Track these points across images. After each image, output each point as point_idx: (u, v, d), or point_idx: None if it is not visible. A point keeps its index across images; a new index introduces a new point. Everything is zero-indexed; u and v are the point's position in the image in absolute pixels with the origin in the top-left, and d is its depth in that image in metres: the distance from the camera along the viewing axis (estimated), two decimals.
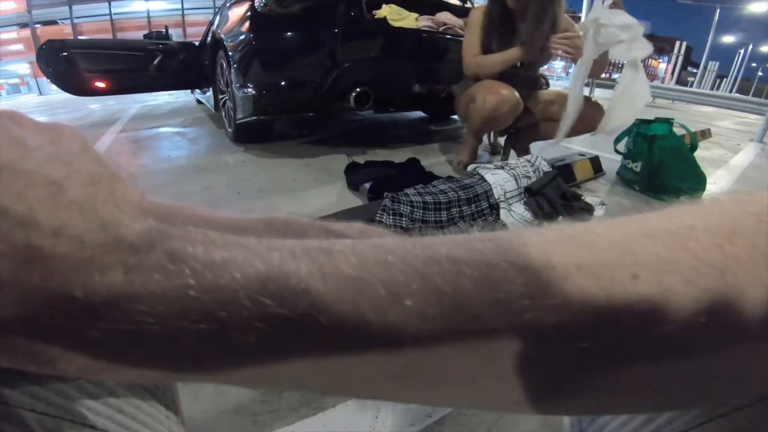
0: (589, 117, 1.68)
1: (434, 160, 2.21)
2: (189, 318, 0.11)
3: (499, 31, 1.79)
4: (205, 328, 0.11)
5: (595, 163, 2.04)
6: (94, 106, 5.06)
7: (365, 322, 0.12)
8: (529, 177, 1.55)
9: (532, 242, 0.13)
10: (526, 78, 1.87)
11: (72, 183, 0.12)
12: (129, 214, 0.13)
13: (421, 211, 1.33)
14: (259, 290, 0.12)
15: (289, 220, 0.21)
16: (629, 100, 1.53)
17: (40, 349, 0.12)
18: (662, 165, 1.76)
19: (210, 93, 3.02)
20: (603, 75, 2.58)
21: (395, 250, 0.13)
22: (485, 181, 1.49)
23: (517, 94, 1.74)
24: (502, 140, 2.26)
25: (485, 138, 2.18)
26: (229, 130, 2.53)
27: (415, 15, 2.54)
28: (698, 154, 1.87)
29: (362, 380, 0.13)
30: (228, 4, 2.62)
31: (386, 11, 2.49)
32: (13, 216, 0.11)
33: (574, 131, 1.68)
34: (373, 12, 2.45)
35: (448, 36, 2.40)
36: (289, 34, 2.10)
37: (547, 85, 2.15)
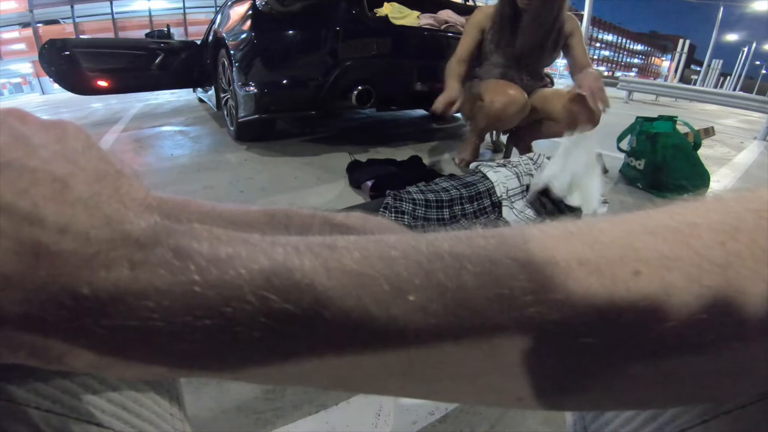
0: (585, 117, 1.68)
1: (436, 158, 2.21)
2: (194, 313, 0.11)
3: (504, 30, 1.78)
4: (210, 323, 0.11)
5: (598, 161, 2.03)
6: (97, 105, 5.07)
7: (369, 317, 0.12)
8: (531, 175, 1.55)
9: (535, 238, 0.13)
10: (529, 77, 1.87)
11: (77, 180, 0.12)
12: (134, 211, 0.13)
13: (423, 208, 1.33)
14: (264, 286, 0.12)
15: (290, 211, 0.22)
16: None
17: (47, 346, 0.12)
18: (665, 163, 1.75)
19: (212, 92, 3.02)
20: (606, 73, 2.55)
21: (398, 245, 0.13)
22: (487, 178, 1.49)
23: (525, 95, 1.73)
24: (504, 138, 2.25)
25: (487, 136, 2.18)
26: (231, 128, 2.53)
27: (416, 13, 2.53)
28: (701, 152, 1.86)
29: (366, 375, 0.13)
30: (229, 3, 2.62)
31: (388, 9, 2.49)
32: (19, 213, 0.11)
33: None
34: (375, 10, 2.44)
35: (449, 34, 2.39)
36: (290, 32, 2.10)
37: (552, 83, 2.14)
